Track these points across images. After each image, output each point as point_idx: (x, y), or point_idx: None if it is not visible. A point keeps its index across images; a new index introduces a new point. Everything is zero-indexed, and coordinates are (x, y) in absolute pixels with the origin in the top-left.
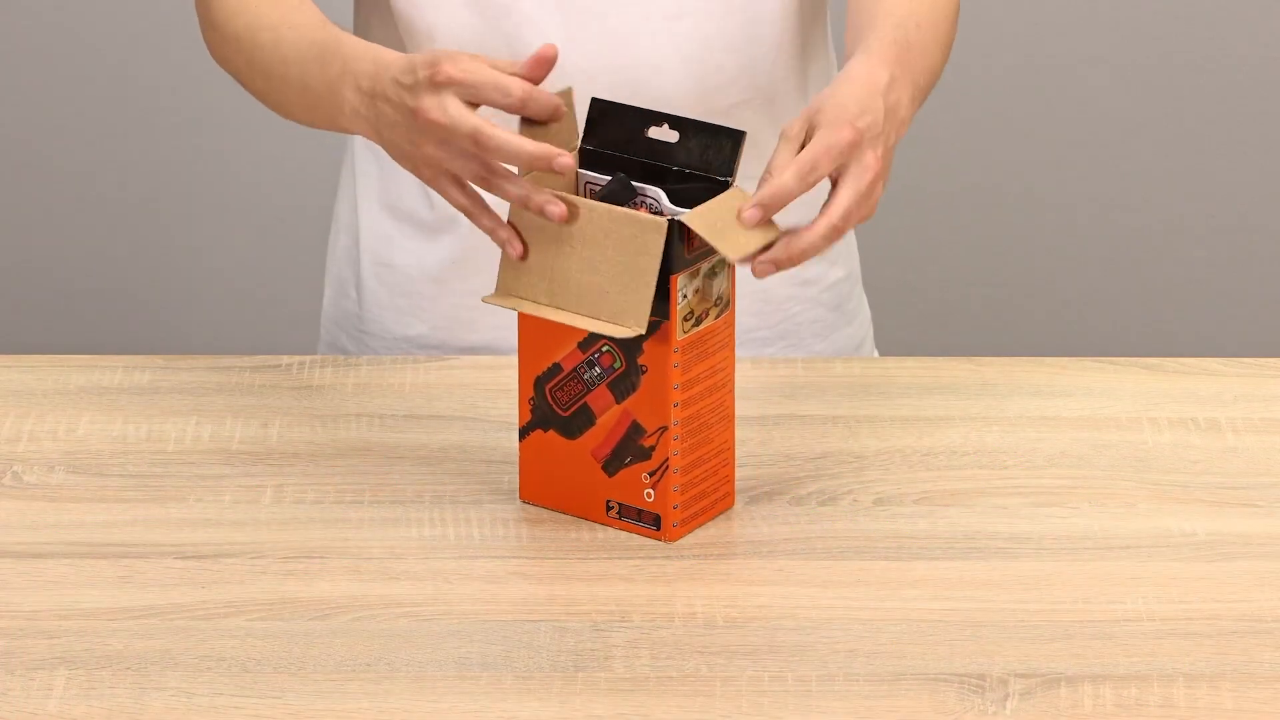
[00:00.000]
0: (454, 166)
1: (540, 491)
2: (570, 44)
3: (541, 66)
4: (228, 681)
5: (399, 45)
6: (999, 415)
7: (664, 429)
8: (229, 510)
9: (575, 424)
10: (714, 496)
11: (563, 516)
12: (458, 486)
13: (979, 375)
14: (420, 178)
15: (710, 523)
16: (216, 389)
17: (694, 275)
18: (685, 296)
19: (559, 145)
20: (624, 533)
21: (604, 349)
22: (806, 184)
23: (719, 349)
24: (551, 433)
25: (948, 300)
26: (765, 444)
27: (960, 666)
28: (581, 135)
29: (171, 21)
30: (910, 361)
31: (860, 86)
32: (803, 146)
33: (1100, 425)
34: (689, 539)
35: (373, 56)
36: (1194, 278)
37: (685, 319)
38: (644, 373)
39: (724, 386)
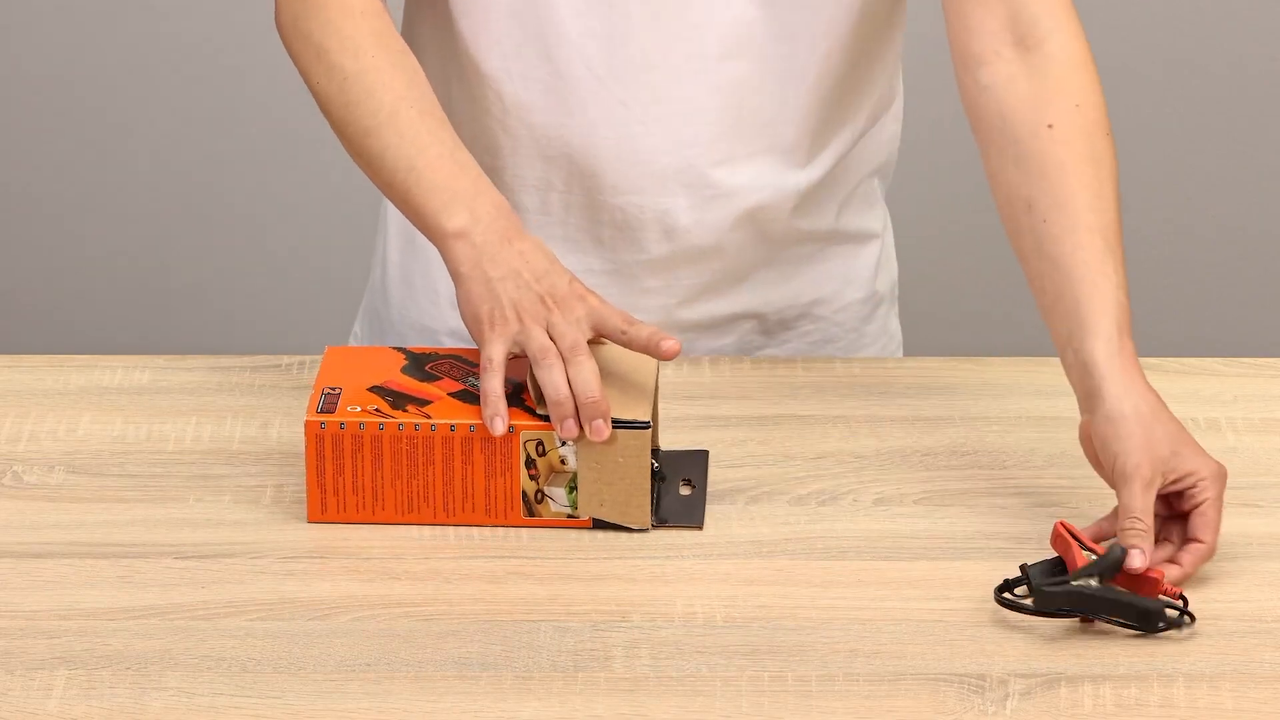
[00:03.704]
0: (530, 336)
1: (336, 360)
2: (613, 74)
3: (659, 352)
4: (228, 681)
5: (446, 55)
6: (999, 415)
7: (427, 417)
8: (229, 510)
9: (419, 371)
10: (336, 485)
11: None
12: None
13: (979, 375)
14: (482, 317)
15: (710, 522)
16: (216, 389)
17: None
18: (563, 443)
19: (638, 393)
20: (624, 532)
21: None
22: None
23: (487, 502)
24: (399, 354)
25: (948, 301)
26: (765, 444)
27: (960, 666)
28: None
29: (175, 23)
30: (910, 361)
31: (1143, 399)
32: (1168, 493)
33: None
34: (690, 538)
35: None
36: (1194, 278)
37: (536, 444)
38: (478, 401)
39: (445, 511)
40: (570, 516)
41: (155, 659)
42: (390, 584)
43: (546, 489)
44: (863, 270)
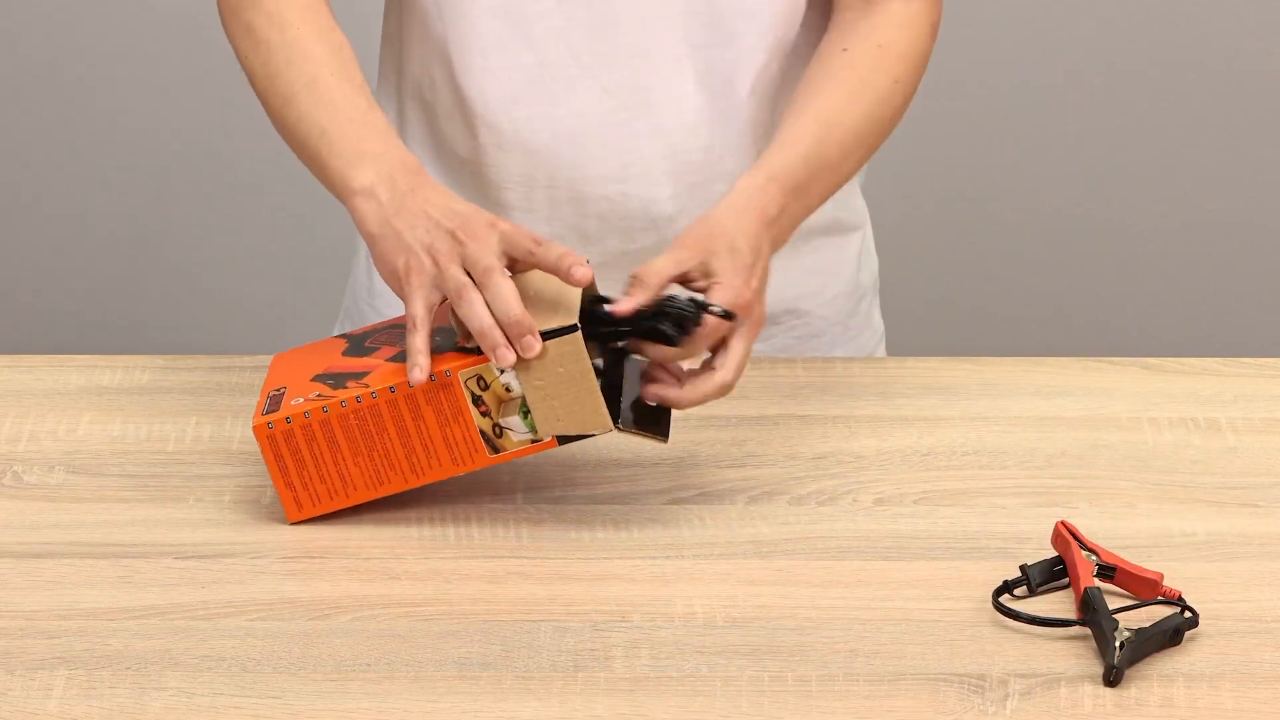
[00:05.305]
0: (447, 276)
1: (281, 363)
2: (597, 62)
3: (568, 277)
4: (228, 681)
5: (424, 50)
6: (999, 415)
7: (366, 386)
8: (229, 510)
9: (359, 349)
10: (303, 480)
11: (563, 516)
12: (458, 486)
13: (979, 375)
14: (399, 270)
15: (711, 523)
16: (216, 389)
17: (527, 382)
18: (502, 371)
19: (566, 304)
20: (624, 532)
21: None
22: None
23: (450, 451)
24: (341, 339)
25: (948, 301)
26: (765, 444)
27: (960, 666)
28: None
29: (175, 26)
30: (910, 361)
31: (752, 220)
32: (687, 278)
33: (1100, 425)
34: (690, 538)
35: (417, 165)
36: (1194, 277)
37: (476, 379)
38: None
39: (413, 472)
40: (534, 441)
41: (155, 659)
42: (390, 584)
43: (502, 421)
44: (846, 262)
